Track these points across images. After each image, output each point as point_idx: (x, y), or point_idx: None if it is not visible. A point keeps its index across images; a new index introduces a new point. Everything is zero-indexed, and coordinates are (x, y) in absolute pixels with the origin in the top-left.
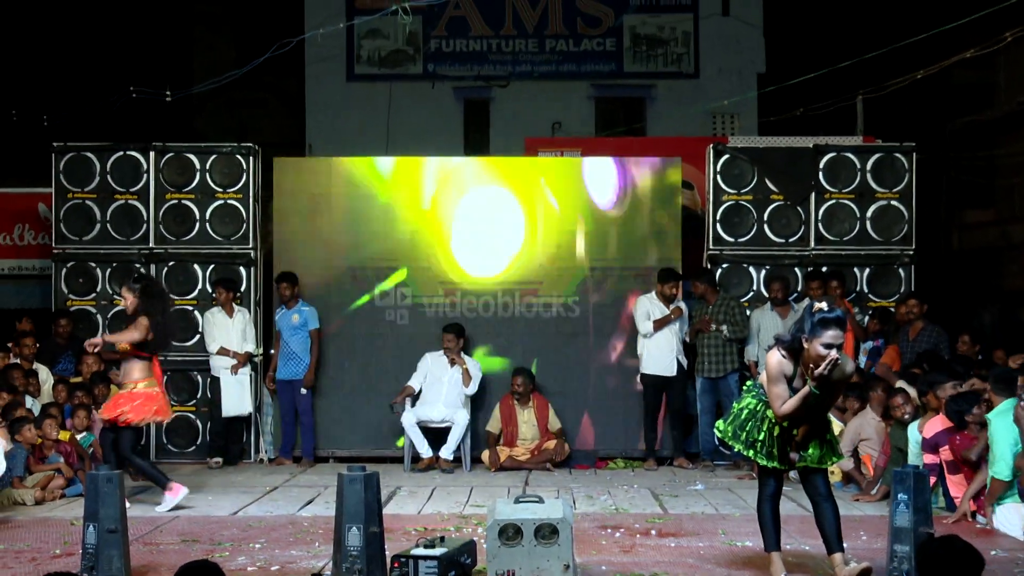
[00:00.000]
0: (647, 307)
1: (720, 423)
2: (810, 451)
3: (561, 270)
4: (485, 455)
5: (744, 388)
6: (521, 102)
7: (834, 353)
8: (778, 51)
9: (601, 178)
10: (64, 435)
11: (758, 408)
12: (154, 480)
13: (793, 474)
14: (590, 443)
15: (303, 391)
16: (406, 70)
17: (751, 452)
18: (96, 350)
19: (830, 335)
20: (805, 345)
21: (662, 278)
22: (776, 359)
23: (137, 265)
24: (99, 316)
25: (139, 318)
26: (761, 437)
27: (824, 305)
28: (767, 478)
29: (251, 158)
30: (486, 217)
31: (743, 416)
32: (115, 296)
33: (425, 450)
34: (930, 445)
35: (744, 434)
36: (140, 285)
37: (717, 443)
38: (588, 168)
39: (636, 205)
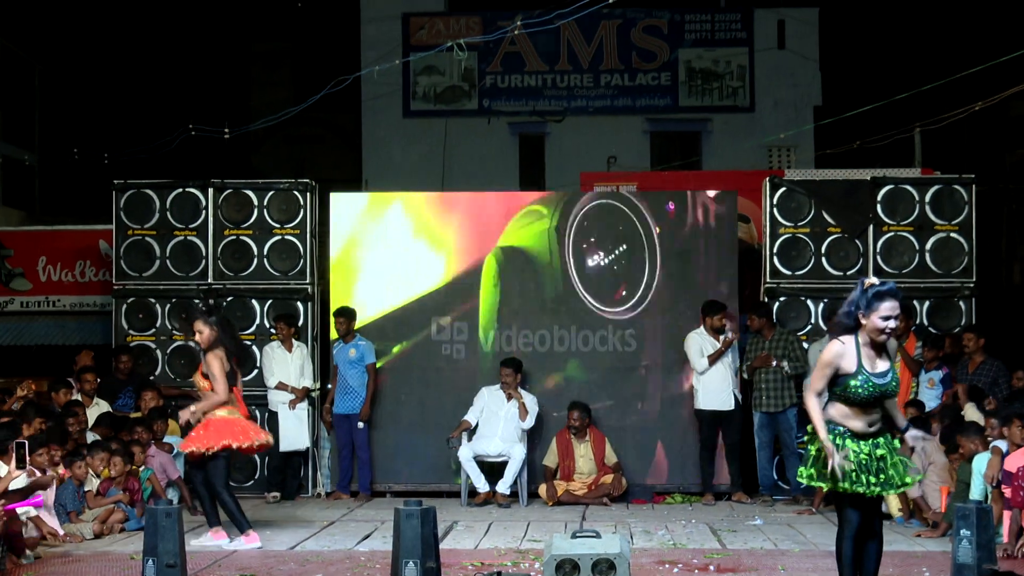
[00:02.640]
0: (699, 343)
1: (803, 470)
2: (890, 473)
3: (616, 304)
4: (542, 489)
5: (812, 429)
6: (576, 137)
7: (838, 459)
8: (834, 84)
9: (659, 211)
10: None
11: (836, 442)
12: (235, 522)
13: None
14: (663, 476)
15: (360, 425)
16: (462, 106)
17: (847, 485)
18: (195, 419)
19: (887, 307)
20: (862, 321)
21: (708, 311)
22: (835, 350)
23: (196, 301)
24: (159, 352)
25: (208, 358)
26: (852, 468)
27: (875, 280)
28: (851, 514)
29: (308, 194)
30: (541, 251)
31: (824, 455)
32: (174, 332)
33: (482, 484)
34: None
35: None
36: (216, 318)
37: (776, 479)
38: (646, 201)
39: (693, 238)
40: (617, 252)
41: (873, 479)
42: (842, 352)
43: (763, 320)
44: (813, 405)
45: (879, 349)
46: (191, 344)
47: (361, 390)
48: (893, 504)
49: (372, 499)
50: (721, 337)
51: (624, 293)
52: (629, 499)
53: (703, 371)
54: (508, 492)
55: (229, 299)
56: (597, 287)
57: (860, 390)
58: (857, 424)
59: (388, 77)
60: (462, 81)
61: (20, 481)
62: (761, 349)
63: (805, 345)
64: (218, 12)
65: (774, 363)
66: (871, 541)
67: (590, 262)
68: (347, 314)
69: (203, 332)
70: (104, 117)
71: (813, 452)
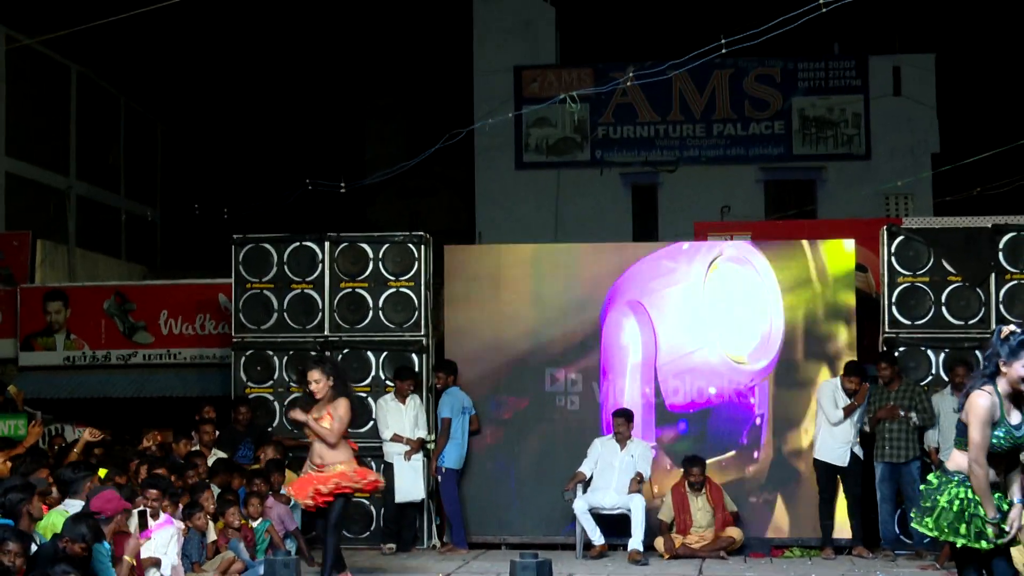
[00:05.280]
0: (833, 393)
1: (929, 521)
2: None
3: (733, 355)
4: (659, 542)
5: (936, 478)
6: (689, 187)
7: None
8: (953, 130)
9: (778, 261)
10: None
11: (970, 495)
12: (332, 563)
13: None
14: (783, 530)
15: (438, 477)
16: (574, 157)
17: (982, 543)
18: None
19: None
20: (1003, 369)
21: (845, 371)
22: (987, 401)
23: (313, 352)
24: (276, 403)
25: (339, 402)
26: (983, 526)
27: (1014, 327)
28: (968, 569)
29: (422, 246)
30: (656, 301)
31: (955, 508)
32: (292, 384)
33: (597, 537)
34: None
35: (964, 526)
36: (331, 366)
37: (898, 532)
38: (759, 251)
39: (810, 289)
40: (734, 303)
41: (992, 531)
42: (993, 404)
43: (895, 369)
44: (982, 474)
45: (1017, 400)
46: (305, 396)
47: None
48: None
49: (487, 551)
50: (850, 397)
51: (741, 344)
52: (746, 553)
53: (837, 423)
54: (642, 548)
55: (345, 351)
56: (711, 338)
57: (1002, 441)
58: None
59: (500, 129)
60: (574, 132)
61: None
62: (886, 400)
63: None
64: (333, 68)
65: (901, 414)
66: None
67: (708, 314)
68: (443, 367)
69: (320, 381)
70: (224, 173)
71: (941, 504)
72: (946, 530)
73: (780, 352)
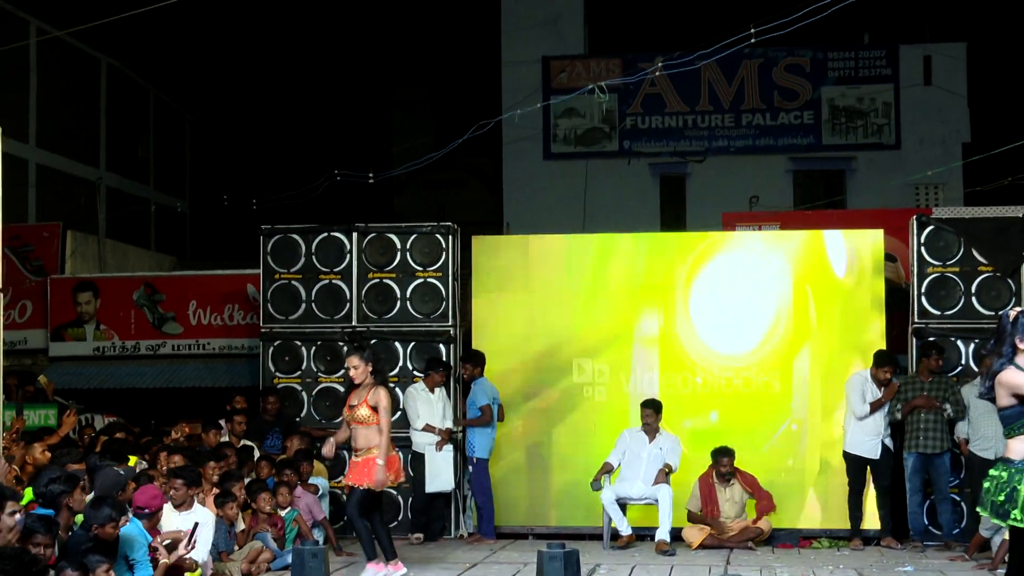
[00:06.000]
0: (862, 387)
1: (1017, 513)
2: None
3: (761, 345)
4: (686, 532)
5: (1005, 471)
6: (718, 177)
7: None
8: (983, 119)
9: (804, 251)
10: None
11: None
12: (364, 548)
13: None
14: (814, 520)
15: (470, 468)
16: (602, 147)
17: None
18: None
19: None
20: (1020, 347)
21: (877, 361)
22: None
23: (341, 344)
24: (304, 393)
25: (378, 390)
26: None
27: (1021, 308)
28: None
29: (450, 237)
30: (684, 292)
31: None
32: (320, 374)
33: (624, 527)
34: None
35: None
36: (370, 353)
37: (927, 523)
38: (795, 241)
39: (840, 279)
40: (762, 295)
41: None
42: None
43: (940, 361)
44: None
45: None
46: (336, 386)
47: (471, 433)
48: None
49: (515, 541)
50: (882, 388)
51: (770, 336)
52: (775, 543)
53: (863, 417)
54: (669, 538)
55: (372, 341)
56: (741, 329)
57: None
58: None
59: (529, 120)
60: (603, 123)
61: None
62: (920, 390)
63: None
64: (361, 60)
65: (938, 405)
66: None
67: (734, 305)
68: (471, 358)
69: (358, 367)
70: (252, 164)
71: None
72: None
73: (810, 343)
